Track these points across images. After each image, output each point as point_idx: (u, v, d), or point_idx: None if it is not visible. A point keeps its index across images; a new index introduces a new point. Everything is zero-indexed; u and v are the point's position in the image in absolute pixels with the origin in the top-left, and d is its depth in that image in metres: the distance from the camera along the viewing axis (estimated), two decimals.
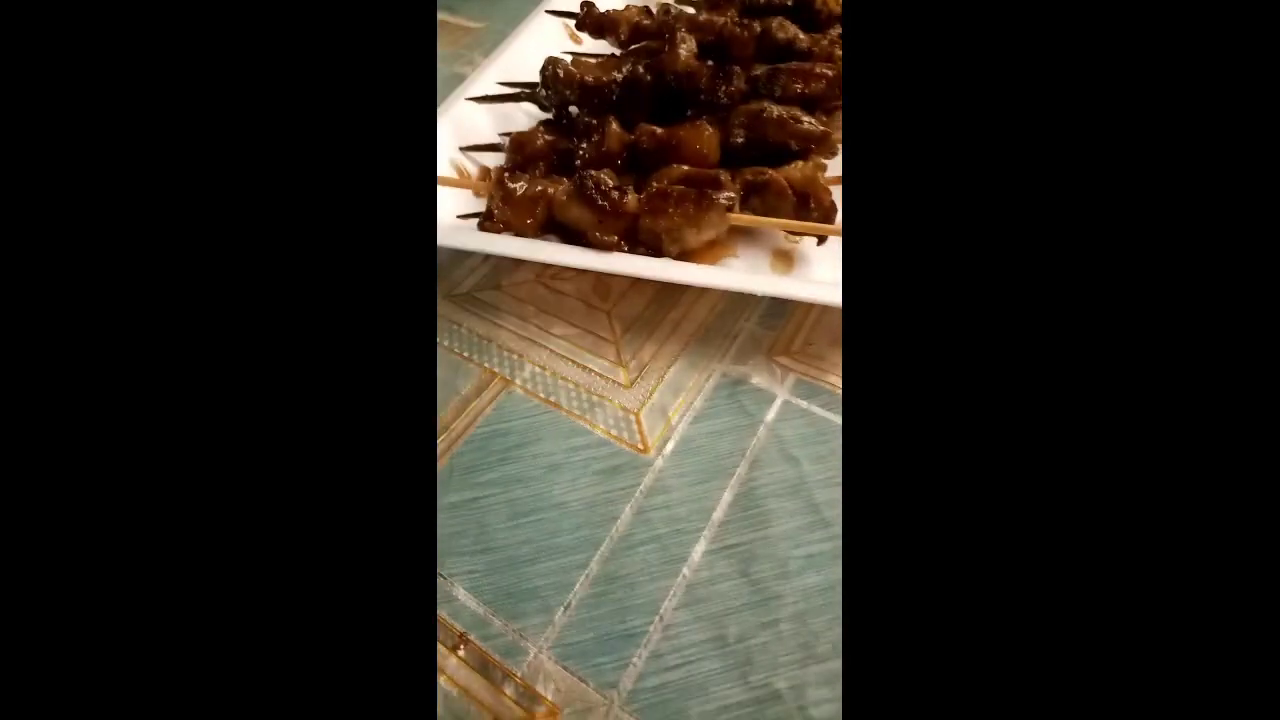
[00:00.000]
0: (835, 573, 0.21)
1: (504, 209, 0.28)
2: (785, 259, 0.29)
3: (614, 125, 0.31)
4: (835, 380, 0.26)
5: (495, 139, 0.35)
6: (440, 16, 0.53)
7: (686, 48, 0.32)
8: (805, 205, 0.28)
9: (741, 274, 0.26)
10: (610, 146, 0.31)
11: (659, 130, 0.30)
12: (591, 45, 0.40)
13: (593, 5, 0.37)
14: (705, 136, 0.30)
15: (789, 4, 0.37)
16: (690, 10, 0.42)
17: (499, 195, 0.28)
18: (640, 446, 0.24)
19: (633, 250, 0.28)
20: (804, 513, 0.22)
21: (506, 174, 0.29)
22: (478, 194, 0.31)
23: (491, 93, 0.36)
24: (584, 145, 0.31)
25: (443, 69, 0.46)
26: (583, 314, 0.29)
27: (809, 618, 0.20)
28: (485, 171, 0.34)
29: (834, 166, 0.30)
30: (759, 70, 0.31)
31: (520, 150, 0.32)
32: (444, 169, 0.33)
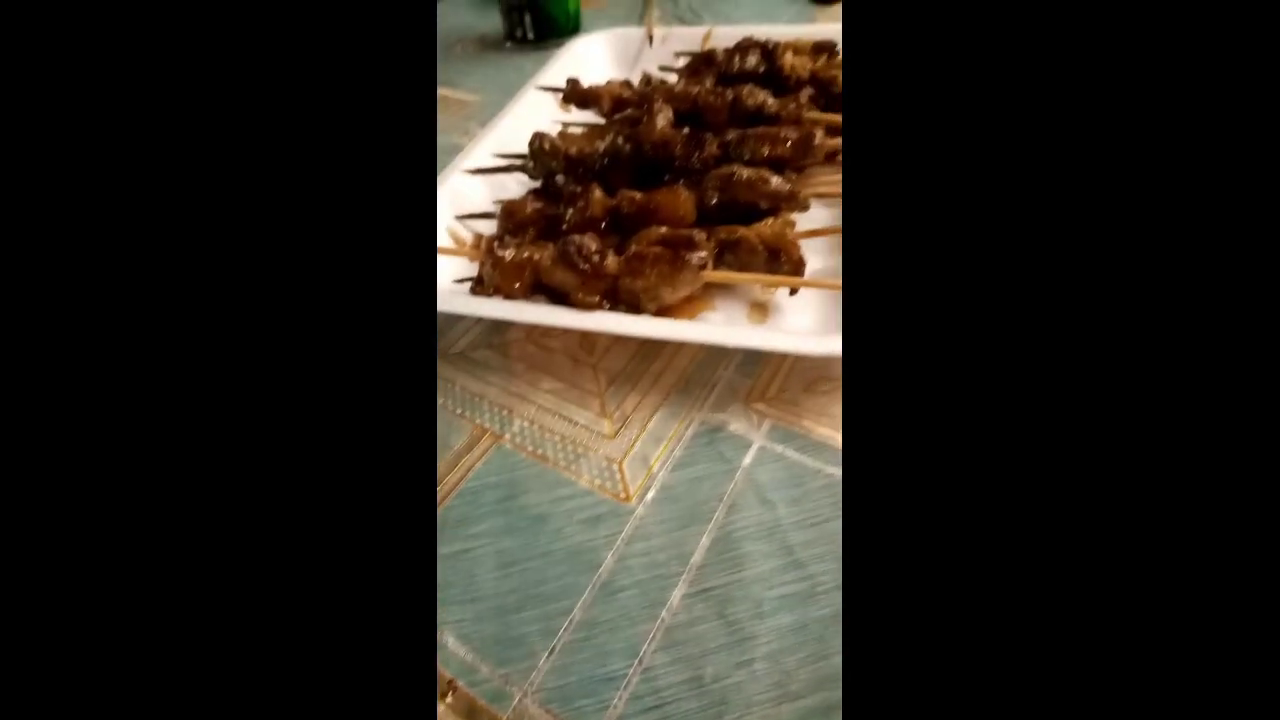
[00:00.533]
0: (808, 612, 0.22)
1: (494, 274, 0.30)
2: (761, 310, 0.31)
3: (597, 192, 0.33)
4: (809, 424, 0.27)
5: (490, 207, 0.37)
6: (441, 91, 0.57)
7: (664, 117, 0.35)
8: (776, 259, 0.30)
9: (717, 327, 0.28)
10: (593, 212, 0.33)
11: (638, 195, 0.33)
12: (579, 114, 0.43)
13: (577, 81, 0.40)
14: (681, 199, 0.32)
15: (760, 71, 0.40)
16: (671, 79, 0.45)
17: (489, 262, 0.30)
18: (622, 495, 0.25)
19: (614, 308, 0.29)
20: (778, 555, 0.23)
21: (496, 242, 0.31)
22: (472, 260, 0.33)
23: (486, 164, 0.39)
24: (570, 211, 0.33)
25: (442, 139, 0.50)
26: (569, 369, 0.31)
27: (782, 656, 0.21)
28: (479, 239, 0.36)
29: (804, 221, 0.32)
30: (731, 135, 0.33)
31: (510, 218, 0.34)
32: (441, 237, 0.35)
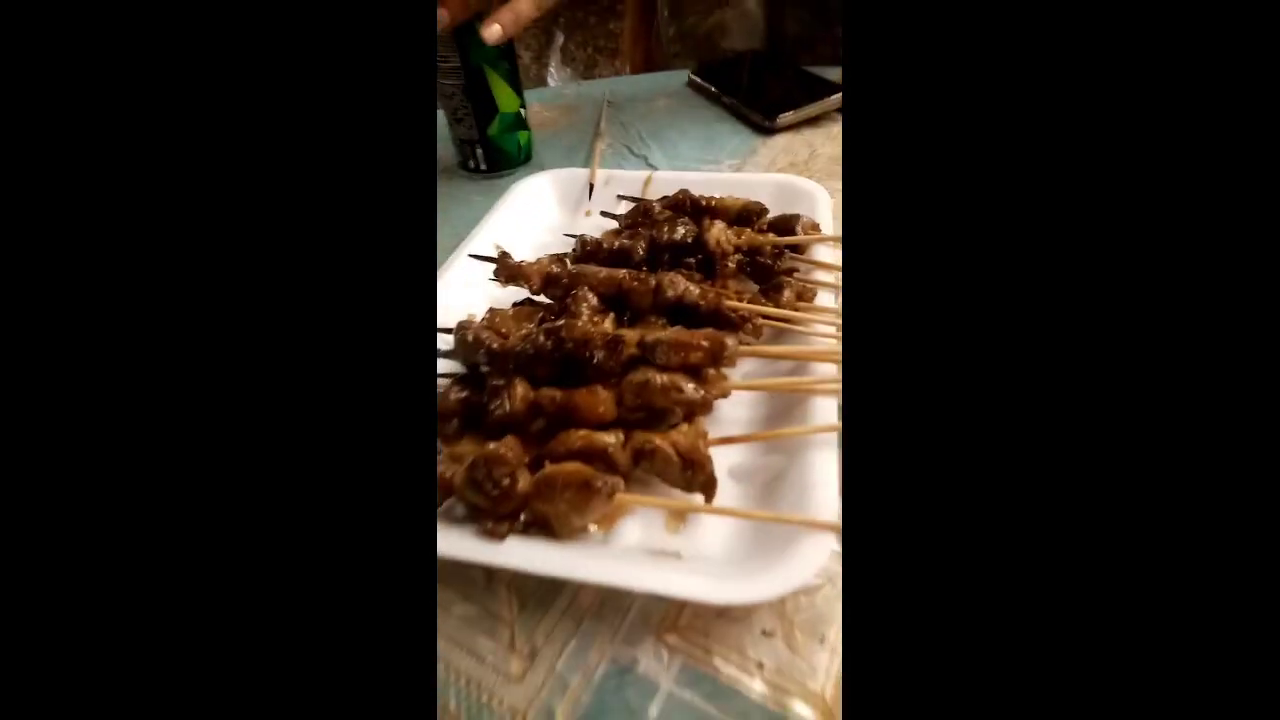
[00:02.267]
0: None
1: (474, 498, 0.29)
2: (678, 516, 0.31)
3: (519, 388, 0.33)
4: (719, 662, 0.26)
5: None
6: None
7: (588, 308, 0.35)
8: (690, 469, 0.29)
9: (618, 566, 0.27)
10: (516, 408, 0.33)
11: (559, 395, 0.32)
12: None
13: (507, 256, 0.40)
14: (600, 400, 0.32)
15: (688, 242, 0.41)
16: (610, 225, 0.46)
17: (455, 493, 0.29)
18: None
19: (527, 529, 0.29)
20: None
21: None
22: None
23: None
24: (493, 404, 0.33)
25: None
26: (482, 587, 0.30)
27: None
28: None
29: (714, 429, 0.32)
30: (648, 337, 0.33)
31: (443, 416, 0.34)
32: None
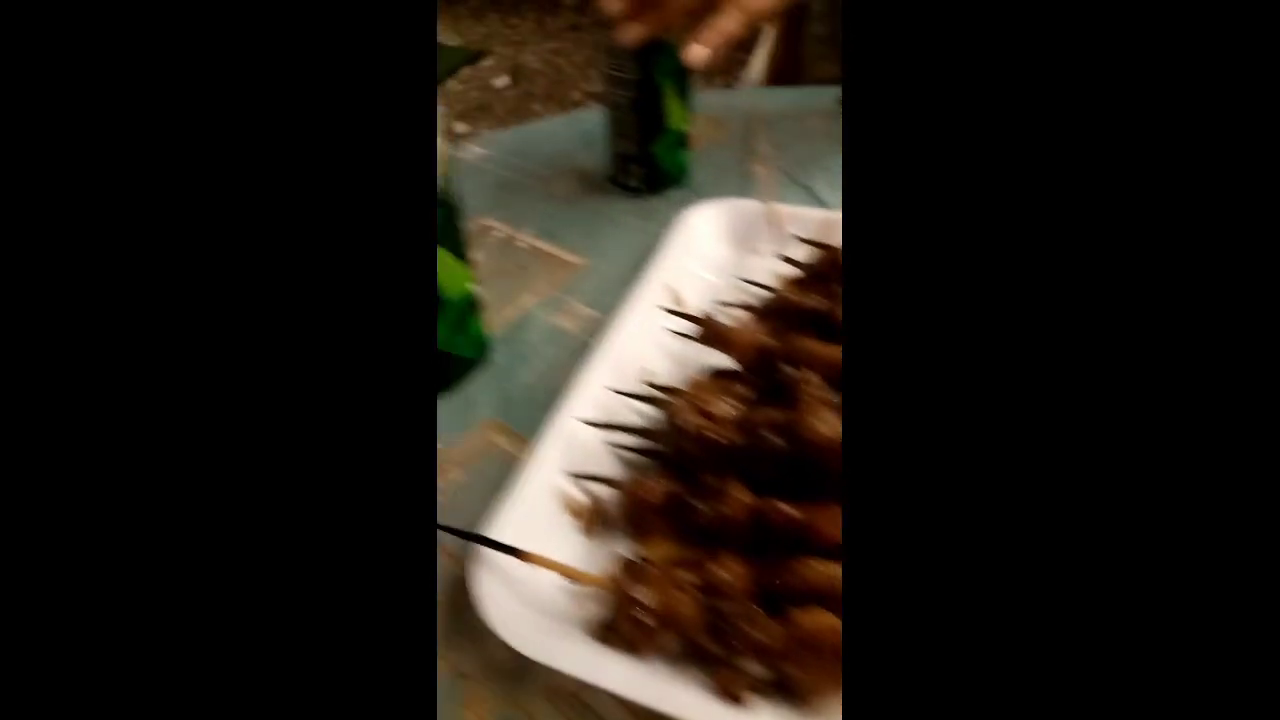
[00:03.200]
0: None
1: (629, 628, 0.26)
2: None
3: (738, 493, 0.29)
4: None
5: (605, 448, 0.33)
6: (540, 244, 0.54)
7: (818, 398, 0.31)
8: None
9: None
10: (733, 513, 0.29)
11: (789, 509, 0.28)
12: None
13: (711, 319, 0.36)
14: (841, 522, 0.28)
15: None
16: (791, 270, 0.41)
17: (624, 609, 0.26)
18: None
19: (767, 685, 0.25)
20: None
21: (628, 574, 0.27)
22: (599, 587, 0.28)
23: (601, 397, 0.35)
24: (704, 507, 0.29)
25: (541, 316, 0.46)
26: None
27: None
28: (595, 511, 0.32)
29: None
30: None
31: (635, 502, 0.30)
32: (553, 490, 0.32)
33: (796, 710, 0.24)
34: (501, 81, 2.13)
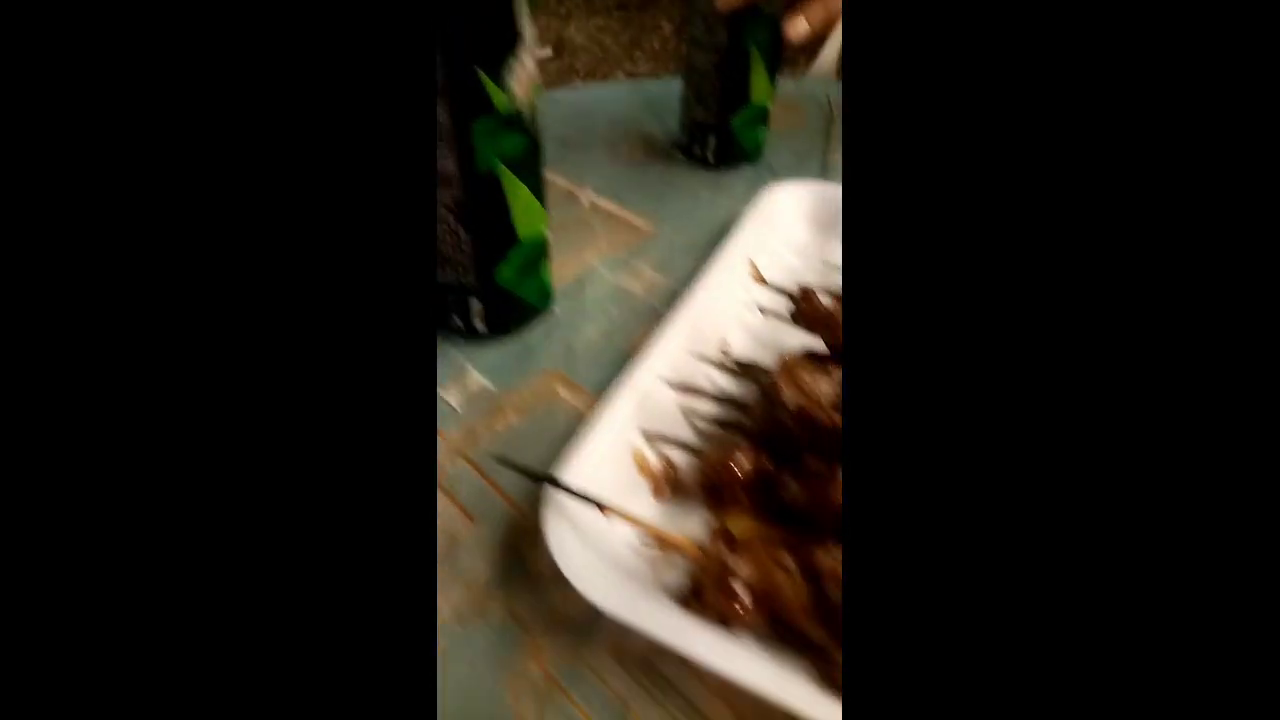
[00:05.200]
0: None
1: (721, 599, 0.23)
2: None
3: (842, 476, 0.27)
4: None
5: (677, 412, 0.31)
6: (604, 203, 0.51)
7: None
8: None
9: None
10: (834, 500, 0.27)
11: None
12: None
13: (812, 295, 0.34)
14: None
15: None
16: None
17: (713, 577, 0.24)
18: None
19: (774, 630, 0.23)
20: None
21: (725, 546, 0.24)
22: (683, 551, 0.26)
23: (682, 366, 0.33)
24: (798, 488, 0.27)
25: (606, 275, 0.44)
26: None
27: None
28: (667, 472, 0.30)
29: None
30: None
31: (718, 476, 0.28)
32: (623, 448, 0.29)
33: None
34: (544, 52, 2.09)
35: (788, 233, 0.46)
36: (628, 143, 0.60)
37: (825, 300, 0.33)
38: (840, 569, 0.24)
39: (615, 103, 0.66)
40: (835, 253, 0.44)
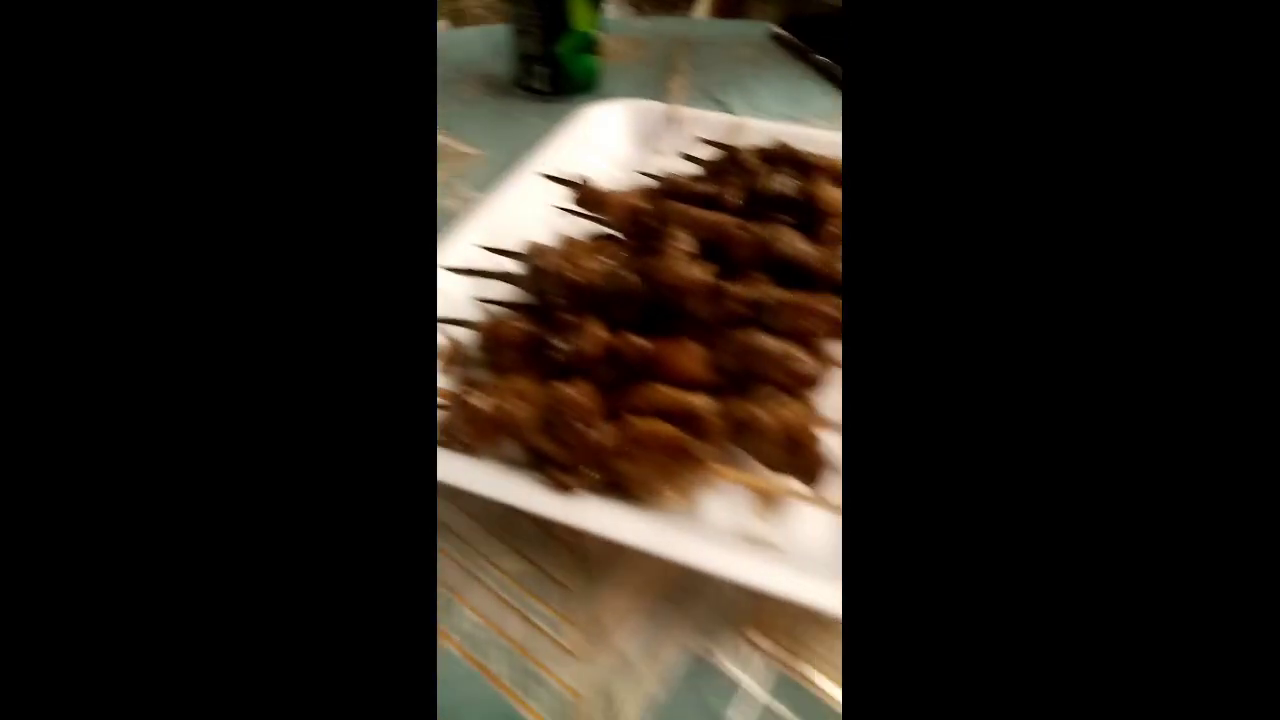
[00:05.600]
0: None
1: (463, 428, 0.25)
2: (771, 503, 0.27)
3: (595, 329, 0.29)
4: (809, 671, 0.23)
5: (472, 304, 0.33)
6: (439, 138, 0.52)
7: (681, 253, 0.31)
8: (795, 453, 0.26)
9: (707, 544, 0.23)
10: (590, 350, 0.29)
11: (642, 343, 0.28)
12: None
13: (589, 183, 0.35)
14: (693, 357, 0.28)
15: (794, 197, 0.36)
16: (691, 168, 0.41)
17: (459, 412, 0.25)
18: None
19: (598, 483, 0.25)
20: None
21: (466, 383, 0.26)
22: (442, 400, 0.28)
23: (473, 254, 0.34)
24: (563, 343, 0.29)
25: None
26: (539, 544, 0.26)
27: None
28: (455, 351, 0.31)
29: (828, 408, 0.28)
30: (755, 288, 0.29)
31: (492, 340, 0.30)
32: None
33: (628, 505, 0.24)
34: None
35: (606, 148, 0.48)
36: (468, 83, 0.60)
37: (624, 195, 0.35)
38: (585, 398, 0.26)
39: (458, 48, 0.66)
40: (650, 166, 0.45)
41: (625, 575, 0.25)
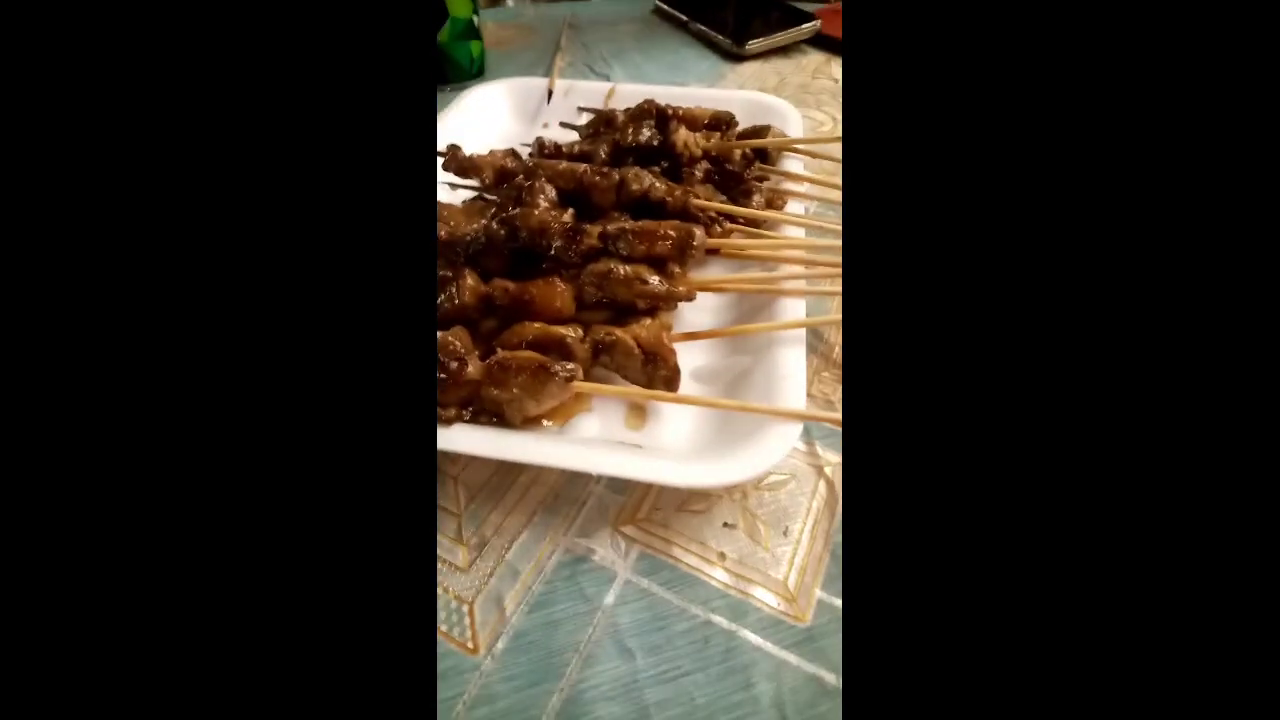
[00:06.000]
0: None
1: None
2: (638, 413, 0.29)
3: (469, 279, 0.31)
4: (679, 551, 0.25)
5: None
6: None
7: (545, 199, 0.33)
8: (653, 363, 0.28)
9: (577, 450, 0.26)
10: (465, 300, 0.30)
11: (512, 286, 0.30)
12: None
13: (458, 149, 0.37)
14: (558, 292, 0.30)
15: (655, 144, 0.39)
16: (571, 136, 0.43)
17: None
18: (470, 646, 0.23)
19: (475, 417, 0.27)
20: (631, 717, 0.21)
21: None
22: None
23: None
24: (441, 297, 0.31)
25: None
26: None
27: None
28: None
29: (679, 324, 0.30)
30: (611, 228, 0.31)
31: None
32: None
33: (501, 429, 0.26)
34: None
35: (496, 125, 0.50)
36: None
37: (491, 156, 0.37)
38: (458, 340, 0.28)
39: None
40: (533, 138, 0.47)
41: (507, 495, 0.27)
